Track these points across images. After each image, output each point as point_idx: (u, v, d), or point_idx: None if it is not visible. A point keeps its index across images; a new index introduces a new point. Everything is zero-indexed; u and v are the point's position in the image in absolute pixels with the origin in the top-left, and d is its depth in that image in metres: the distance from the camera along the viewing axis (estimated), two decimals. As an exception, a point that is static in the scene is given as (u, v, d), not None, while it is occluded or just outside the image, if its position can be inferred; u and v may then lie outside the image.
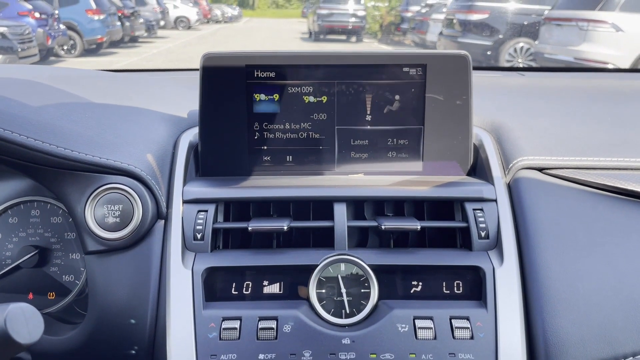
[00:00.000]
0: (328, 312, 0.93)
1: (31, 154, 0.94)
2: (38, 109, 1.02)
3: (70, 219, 1.17)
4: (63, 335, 1.02)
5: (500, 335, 0.90)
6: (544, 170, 1.10)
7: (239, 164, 1.14)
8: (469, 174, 1.15)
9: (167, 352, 0.90)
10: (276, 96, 1.12)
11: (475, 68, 1.18)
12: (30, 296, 1.18)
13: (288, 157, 1.15)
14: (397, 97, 1.13)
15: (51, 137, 0.96)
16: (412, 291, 0.97)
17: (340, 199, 1.04)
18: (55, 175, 1.00)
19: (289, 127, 1.14)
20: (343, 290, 0.95)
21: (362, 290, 0.95)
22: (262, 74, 1.11)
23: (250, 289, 0.97)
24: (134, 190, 1.01)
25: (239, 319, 0.91)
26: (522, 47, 8.46)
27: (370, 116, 1.14)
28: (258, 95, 1.13)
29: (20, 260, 1.14)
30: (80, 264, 1.17)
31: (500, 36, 8.74)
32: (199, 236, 1.00)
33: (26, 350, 1.04)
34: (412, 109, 1.13)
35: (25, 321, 0.76)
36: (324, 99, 1.13)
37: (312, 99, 1.13)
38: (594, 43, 6.72)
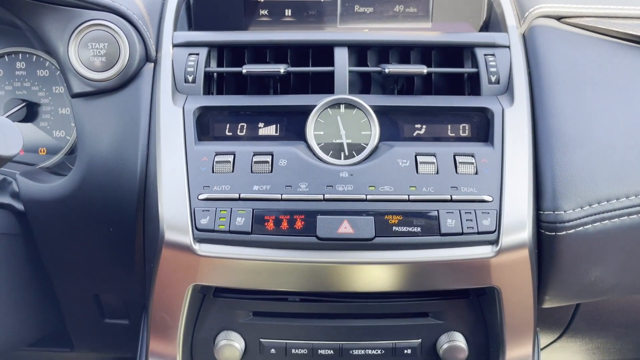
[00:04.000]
0: (326, 153, 0.89)
1: None
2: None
3: (58, 72, 1.12)
4: (54, 183, 0.99)
5: (506, 171, 0.86)
6: (561, 20, 1.02)
7: (234, 17, 1.06)
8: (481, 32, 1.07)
9: (158, 187, 0.87)
10: (274, -62, 1.03)
11: None
12: (21, 152, 1.15)
13: (287, 10, 1.07)
14: (406, -60, 1.03)
15: None
16: (414, 134, 0.92)
17: (341, 43, 0.97)
18: (34, 9, 0.94)
19: None
20: (342, 132, 0.90)
21: (363, 133, 0.90)
22: None
23: (245, 130, 0.93)
24: (119, 28, 0.94)
25: (233, 153, 0.87)
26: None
27: (376, -37, 1.04)
28: (254, -64, 1.03)
29: (8, 113, 1.10)
30: (70, 120, 1.13)
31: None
32: (190, 78, 0.95)
33: (17, 199, 1.02)
34: None
35: (2, 134, 0.72)
36: (326, -58, 1.03)
37: (313, -59, 1.03)
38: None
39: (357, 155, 0.89)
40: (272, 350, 0.96)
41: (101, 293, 1.10)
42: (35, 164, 1.13)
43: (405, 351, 0.95)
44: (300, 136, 0.90)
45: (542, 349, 1.15)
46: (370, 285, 0.86)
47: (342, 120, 0.90)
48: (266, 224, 0.83)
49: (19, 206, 1.00)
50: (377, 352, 0.95)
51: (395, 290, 0.87)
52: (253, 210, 0.83)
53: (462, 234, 0.82)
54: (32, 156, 1.14)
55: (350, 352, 0.95)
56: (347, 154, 0.89)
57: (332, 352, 0.95)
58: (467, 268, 0.84)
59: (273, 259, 0.83)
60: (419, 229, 0.83)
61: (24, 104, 1.11)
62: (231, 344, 0.94)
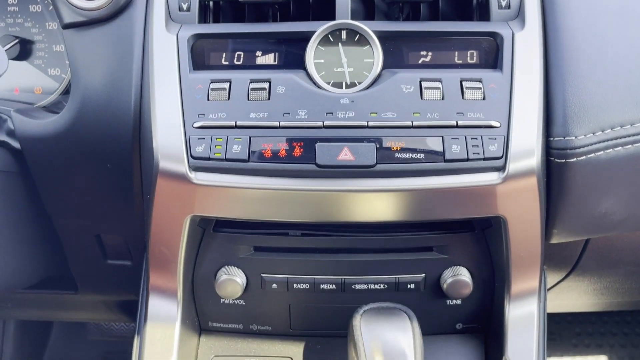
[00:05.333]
0: (327, 83, 0.85)
1: None
2: None
3: (51, 7, 1.08)
4: (49, 119, 0.96)
5: (515, 97, 0.82)
6: None
7: None
8: None
9: (151, 116, 0.84)
10: None
11: None
12: (17, 91, 1.12)
13: None
14: None
15: None
16: (420, 61, 0.88)
17: None
18: None
19: None
20: (344, 60, 0.86)
21: (365, 60, 0.86)
22: None
23: (241, 59, 0.89)
24: None
25: (229, 81, 0.84)
26: None
27: None
28: None
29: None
30: (65, 57, 1.10)
31: None
32: (184, 7, 0.91)
33: (13, 137, 1.00)
34: None
35: None
36: None
37: None
38: None
39: (359, 84, 0.85)
40: (274, 285, 0.95)
41: (102, 233, 1.09)
42: (32, 103, 1.10)
43: (409, 286, 0.94)
44: (300, 65, 0.87)
45: (548, 289, 1.13)
46: (372, 215, 0.84)
47: (344, 48, 0.86)
48: (263, 151, 0.80)
49: (15, 144, 0.99)
50: (379, 286, 0.94)
51: (398, 220, 0.84)
52: (250, 137, 0.81)
53: (467, 160, 0.79)
54: (28, 96, 1.12)
55: (353, 286, 0.94)
56: (348, 83, 0.86)
57: (334, 286, 0.94)
58: (472, 196, 0.82)
59: (271, 187, 0.81)
60: (422, 156, 0.80)
61: (17, 40, 1.08)
62: (232, 278, 0.93)
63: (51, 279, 1.21)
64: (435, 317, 0.98)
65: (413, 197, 0.82)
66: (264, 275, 0.94)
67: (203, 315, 1.00)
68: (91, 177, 0.97)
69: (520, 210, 0.84)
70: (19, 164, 1.01)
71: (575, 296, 1.24)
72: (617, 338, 1.87)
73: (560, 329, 1.88)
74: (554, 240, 0.94)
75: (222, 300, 0.98)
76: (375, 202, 0.82)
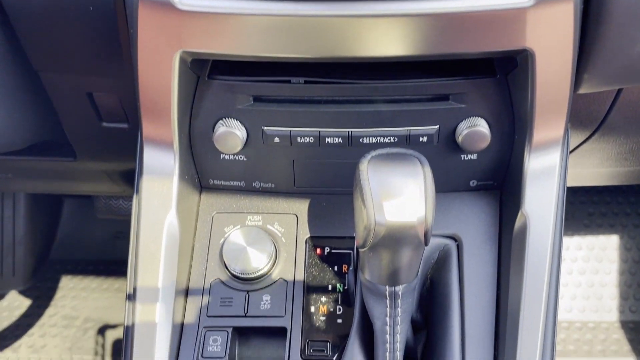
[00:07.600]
0: None
1: None
2: None
3: None
4: None
5: None
6: None
7: None
8: None
9: None
10: None
11: None
12: None
13: None
14: None
15: None
16: None
17: None
18: None
19: None
20: None
21: None
22: None
23: None
24: None
25: None
26: None
27: None
28: None
29: None
30: None
31: None
32: None
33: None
34: None
35: None
36: None
37: None
38: None
39: None
40: (276, 139, 0.88)
41: (94, 91, 1.02)
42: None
43: (421, 139, 0.87)
44: None
45: (571, 152, 1.06)
46: (379, 48, 0.74)
47: None
48: None
49: None
50: (389, 139, 0.87)
51: (409, 54, 0.75)
52: None
53: None
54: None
55: (360, 140, 0.87)
56: None
57: (340, 140, 0.87)
58: (497, 23, 0.72)
59: (264, 12, 0.71)
60: None
61: None
62: (231, 131, 0.87)
63: (48, 145, 1.17)
64: (448, 173, 0.92)
65: (428, 23, 0.72)
66: (265, 128, 0.88)
67: (203, 172, 0.96)
68: (74, 22, 0.88)
69: (551, 43, 0.74)
70: (-4, 13, 0.92)
71: (597, 162, 1.17)
72: (630, 218, 1.84)
73: (572, 209, 1.84)
74: (583, 89, 0.85)
75: (222, 156, 0.92)
76: (383, 31, 0.72)
